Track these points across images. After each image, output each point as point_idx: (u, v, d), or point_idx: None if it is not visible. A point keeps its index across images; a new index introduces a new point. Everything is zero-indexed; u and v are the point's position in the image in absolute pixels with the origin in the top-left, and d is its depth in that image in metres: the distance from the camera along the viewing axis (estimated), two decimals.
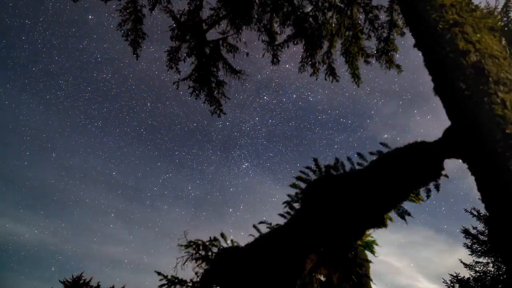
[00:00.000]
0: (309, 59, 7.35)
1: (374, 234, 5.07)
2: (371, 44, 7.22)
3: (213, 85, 7.19)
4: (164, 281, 4.00)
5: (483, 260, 13.40)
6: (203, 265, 3.99)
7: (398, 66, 7.33)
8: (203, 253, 4.06)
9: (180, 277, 4.00)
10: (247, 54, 7.03)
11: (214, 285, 3.78)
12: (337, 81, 7.44)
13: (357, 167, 4.30)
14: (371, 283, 4.74)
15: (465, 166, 2.15)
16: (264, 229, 4.50)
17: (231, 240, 4.29)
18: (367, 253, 4.94)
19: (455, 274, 13.51)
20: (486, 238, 13.34)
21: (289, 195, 4.94)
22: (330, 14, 6.98)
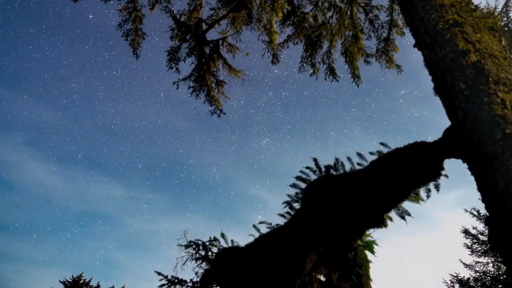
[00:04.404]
0: (309, 59, 7.34)
1: (374, 234, 5.07)
2: (371, 44, 7.22)
3: (213, 85, 7.18)
4: (164, 281, 4.00)
5: (483, 260, 13.40)
6: (203, 265, 3.99)
7: (398, 66, 7.32)
8: (203, 253, 4.06)
9: (180, 277, 4.00)
10: (247, 53, 7.02)
11: (214, 285, 3.78)
12: (337, 81, 7.43)
13: (357, 167, 4.31)
14: (371, 283, 4.74)
15: (465, 166, 2.15)
16: (264, 229, 4.50)
17: (231, 240, 4.29)
18: (367, 253, 4.93)
19: (455, 274, 13.51)
20: (486, 238, 13.33)
21: (289, 195, 4.94)
22: (330, 14, 6.97)
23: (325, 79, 7.46)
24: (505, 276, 12.49)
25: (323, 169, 4.81)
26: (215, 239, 4.20)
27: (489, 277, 12.85)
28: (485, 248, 13.27)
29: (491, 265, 13.20)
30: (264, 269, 3.38)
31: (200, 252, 4.07)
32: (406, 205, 3.96)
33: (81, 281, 17.18)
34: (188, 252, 4.09)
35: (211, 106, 7.28)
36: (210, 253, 4.04)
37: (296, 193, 4.88)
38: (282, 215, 4.84)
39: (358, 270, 4.61)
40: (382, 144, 3.77)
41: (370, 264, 4.88)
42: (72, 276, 17.16)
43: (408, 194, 3.38)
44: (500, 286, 12.51)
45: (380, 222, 3.49)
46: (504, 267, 12.60)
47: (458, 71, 2.08)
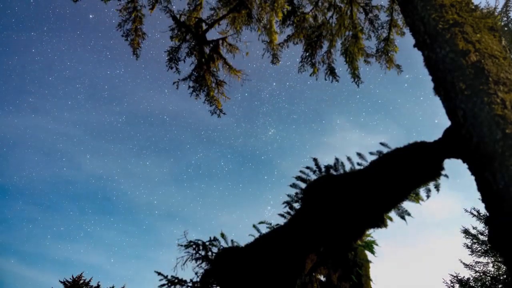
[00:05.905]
0: (309, 59, 7.35)
1: (374, 234, 5.07)
2: (371, 44, 7.22)
3: (213, 85, 7.18)
4: (164, 281, 4.00)
5: (483, 260, 13.41)
6: (203, 265, 3.99)
7: (398, 66, 7.33)
8: (203, 253, 4.06)
9: (180, 277, 4.00)
10: (247, 53, 7.03)
11: (214, 285, 3.78)
12: (337, 81, 7.43)
13: (357, 167, 4.30)
14: (371, 283, 4.74)
15: (465, 166, 2.15)
16: (264, 229, 4.50)
17: (231, 240, 4.29)
18: (367, 253, 4.93)
19: (455, 274, 13.51)
20: (486, 238, 13.33)
21: (289, 195, 4.94)
22: (330, 14, 6.98)
23: (325, 79, 7.46)
24: (505, 276, 12.49)
25: (323, 169, 4.81)
26: (215, 239, 4.20)
27: (489, 277, 12.85)
28: (485, 248, 13.27)
29: (491, 265, 13.21)
30: (264, 269, 3.38)
31: (200, 252, 4.07)
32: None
33: (81, 281, 17.19)
34: (188, 252, 4.09)
35: (211, 106, 7.28)
36: (210, 253, 4.04)
37: (296, 193, 4.88)
38: (282, 215, 4.85)
39: (358, 270, 4.61)
40: (382, 144, 3.77)
41: (370, 264, 4.88)
42: (72, 276, 17.17)
43: (408, 194, 3.38)
44: (500, 286, 12.51)
45: (380, 222, 3.49)
46: (504, 267, 12.60)
47: (458, 71, 2.08)
